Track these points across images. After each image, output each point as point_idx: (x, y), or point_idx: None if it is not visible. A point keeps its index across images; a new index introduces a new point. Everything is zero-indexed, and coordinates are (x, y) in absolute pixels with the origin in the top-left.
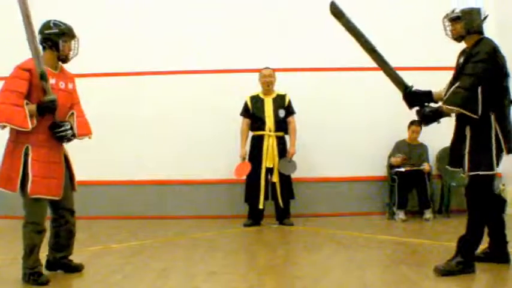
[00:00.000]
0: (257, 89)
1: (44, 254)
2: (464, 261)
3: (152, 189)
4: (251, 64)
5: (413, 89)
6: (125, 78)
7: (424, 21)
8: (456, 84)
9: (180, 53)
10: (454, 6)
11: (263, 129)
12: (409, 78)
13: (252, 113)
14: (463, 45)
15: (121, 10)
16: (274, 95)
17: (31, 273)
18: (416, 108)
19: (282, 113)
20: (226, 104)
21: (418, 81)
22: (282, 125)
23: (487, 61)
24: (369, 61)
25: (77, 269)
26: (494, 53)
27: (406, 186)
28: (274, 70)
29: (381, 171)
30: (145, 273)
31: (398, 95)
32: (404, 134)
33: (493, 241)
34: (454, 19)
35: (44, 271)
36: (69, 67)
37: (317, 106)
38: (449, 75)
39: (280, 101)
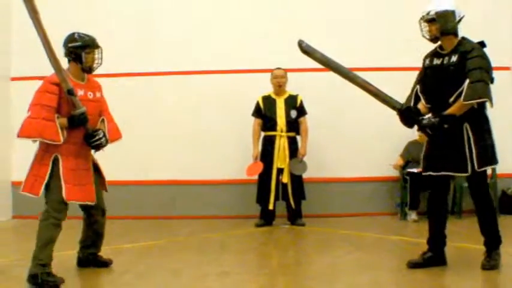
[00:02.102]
0: (269, 89)
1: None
2: (499, 252)
3: (164, 189)
4: (264, 64)
5: (405, 106)
6: (137, 79)
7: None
8: (469, 80)
9: (192, 54)
10: (430, 8)
11: (275, 130)
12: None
13: (264, 114)
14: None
15: (135, 11)
16: (286, 96)
17: (43, 273)
18: (416, 124)
19: (293, 113)
20: (239, 104)
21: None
22: (293, 126)
23: (484, 55)
24: (381, 61)
25: (106, 264)
26: (483, 50)
27: (418, 187)
28: (286, 70)
29: (393, 171)
30: (157, 273)
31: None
32: (415, 135)
33: (433, 243)
34: (429, 21)
35: (76, 267)
36: None
37: (329, 106)
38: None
39: (292, 102)
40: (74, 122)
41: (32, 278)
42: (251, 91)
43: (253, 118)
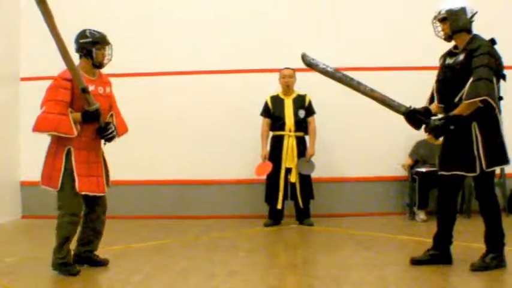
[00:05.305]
0: (277, 89)
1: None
2: (497, 255)
3: (172, 189)
4: (271, 64)
5: (412, 108)
6: (142, 79)
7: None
8: (472, 79)
9: (198, 53)
10: (441, 7)
11: (283, 130)
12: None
13: (272, 113)
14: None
15: (141, 10)
16: (294, 95)
17: (63, 263)
18: (423, 126)
19: (302, 113)
20: (246, 104)
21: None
22: (302, 125)
23: (490, 53)
24: (389, 61)
25: (101, 263)
26: (492, 47)
27: (427, 187)
28: (295, 70)
29: (402, 171)
30: (166, 273)
31: (419, 94)
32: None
33: (439, 241)
34: (441, 20)
35: (85, 267)
36: None
37: (337, 106)
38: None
39: (300, 101)
40: (88, 117)
41: (53, 267)
42: (259, 91)
43: (261, 118)
